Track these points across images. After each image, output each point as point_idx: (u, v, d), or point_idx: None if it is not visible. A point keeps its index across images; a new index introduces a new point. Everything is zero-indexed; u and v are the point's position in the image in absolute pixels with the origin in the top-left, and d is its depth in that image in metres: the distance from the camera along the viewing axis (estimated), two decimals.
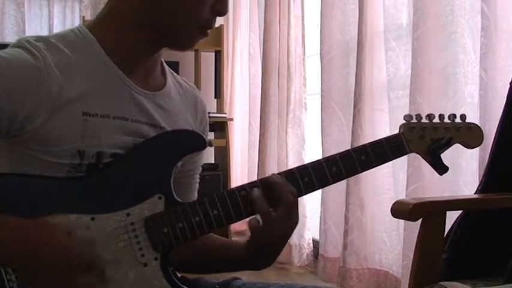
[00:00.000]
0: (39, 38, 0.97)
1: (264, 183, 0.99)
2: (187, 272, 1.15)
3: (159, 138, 1.03)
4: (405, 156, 1.11)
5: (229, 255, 1.11)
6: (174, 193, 0.99)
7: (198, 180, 1.18)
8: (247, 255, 1.05)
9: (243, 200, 0.99)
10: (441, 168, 1.11)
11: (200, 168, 1.18)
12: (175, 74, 1.16)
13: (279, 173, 1.02)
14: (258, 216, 0.97)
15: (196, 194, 1.17)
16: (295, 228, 1.00)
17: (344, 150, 1.06)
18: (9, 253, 0.83)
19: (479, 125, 1.16)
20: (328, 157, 1.05)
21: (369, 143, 1.07)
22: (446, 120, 1.12)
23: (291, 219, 0.98)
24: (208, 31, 1.04)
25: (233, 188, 1.00)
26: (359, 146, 1.07)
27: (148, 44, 1.02)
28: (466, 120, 1.13)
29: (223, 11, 1.02)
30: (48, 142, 0.93)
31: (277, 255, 1.03)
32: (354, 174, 1.06)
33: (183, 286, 0.98)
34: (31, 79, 0.92)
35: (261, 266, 1.06)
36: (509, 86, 1.66)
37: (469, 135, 1.14)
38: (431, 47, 2.23)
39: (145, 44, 1.02)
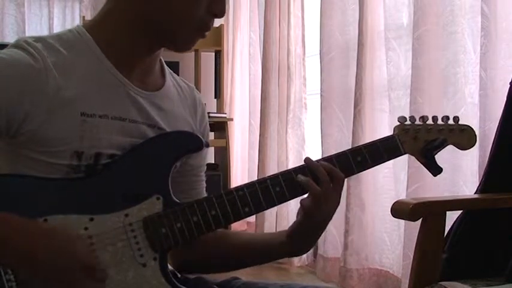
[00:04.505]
0: (37, 39, 0.96)
1: (308, 168, 1.03)
2: (214, 272, 1.16)
3: (156, 140, 1.02)
4: (405, 157, 1.12)
5: (268, 246, 1.13)
6: (172, 194, 0.99)
7: (205, 178, 1.18)
8: (292, 240, 1.08)
9: (241, 200, 0.99)
10: (435, 169, 1.12)
11: (205, 167, 1.18)
12: (174, 73, 1.15)
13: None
14: (307, 198, 1.02)
15: (204, 192, 1.17)
16: (337, 207, 1.05)
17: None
18: (8, 251, 0.84)
19: (472, 127, 1.16)
20: (324, 158, 1.05)
21: (364, 144, 1.08)
22: (439, 122, 1.13)
23: (335, 198, 1.03)
24: (206, 33, 1.03)
25: (231, 189, 1.00)
26: (355, 147, 1.08)
27: (145, 44, 1.02)
28: (460, 122, 1.14)
29: (219, 13, 1.01)
30: (46, 143, 0.93)
31: (318, 238, 1.10)
32: (351, 175, 1.07)
33: (182, 286, 0.98)
34: (29, 80, 0.92)
35: (304, 251, 1.11)
36: (509, 86, 1.66)
37: (462, 136, 1.15)
38: (432, 47, 2.23)
39: (142, 45, 1.02)
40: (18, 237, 0.85)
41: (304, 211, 1.03)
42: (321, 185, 1.01)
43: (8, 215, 0.86)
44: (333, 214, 1.05)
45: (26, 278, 0.86)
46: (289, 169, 1.04)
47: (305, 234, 1.07)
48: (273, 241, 1.12)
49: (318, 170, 1.02)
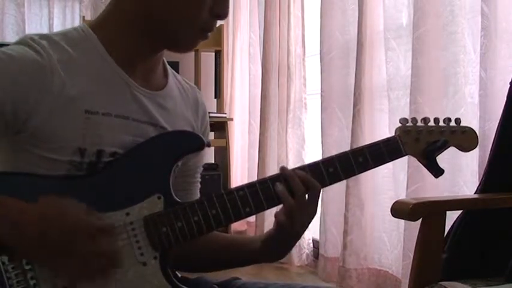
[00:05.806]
0: (42, 36, 0.97)
1: (285, 178, 1.01)
2: (196, 271, 1.16)
3: (158, 139, 1.03)
4: (405, 157, 1.12)
5: (243, 250, 1.14)
6: (173, 193, 0.99)
7: (200, 179, 1.19)
8: (265, 248, 1.08)
9: (241, 200, 0.99)
10: (436, 171, 1.12)
11: (201, 168, 1.19)
12: (176, 74, 1.16)
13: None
14: (282, 209, 1.01)
15: (198, 193, 1.18)
16: (313, 218, 1.04)
17: (343, 150, 1.07)
18: (17, 232, 0.85)
19: (473, 129, 1.16)
20: (325, 158, 1.05)
21: (366, 145, 1.08)
22: (441, 123, 1.14)
23: (311, 209, 1.03)
24: (209, 34, 1.03)
25: (232, 188, 1.00)
26: (356, 148, 1.08)
27: (147, 44, 1.03)
28: (461, 124, 1.15)
29: (222, 14, 1.01)
30: (49, 139, 0.94)
31: (292, 247, 1.09)
32: (351, 176, 1.07)
33: (182, 286, 0.98)
34: (36, 76, 0.92)
35: (276, 259, 1.11)
36: (509, 86, 1.66)
37: (464, 138, 1.15)
38: (432, 47, 2.23)
39: (144, 45, 1.02)
40: (27, 217, 0.86)
41: (277, 223, 1.03)
42: (295, 196, 1.00)
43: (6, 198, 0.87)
44: (308, 224, 1.05)
45: (34, 256, 0.86)
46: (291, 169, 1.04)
47: (278, 243, 1.07)
48: (248, 246, 1.12)
49: (293, 180, 1.01)
